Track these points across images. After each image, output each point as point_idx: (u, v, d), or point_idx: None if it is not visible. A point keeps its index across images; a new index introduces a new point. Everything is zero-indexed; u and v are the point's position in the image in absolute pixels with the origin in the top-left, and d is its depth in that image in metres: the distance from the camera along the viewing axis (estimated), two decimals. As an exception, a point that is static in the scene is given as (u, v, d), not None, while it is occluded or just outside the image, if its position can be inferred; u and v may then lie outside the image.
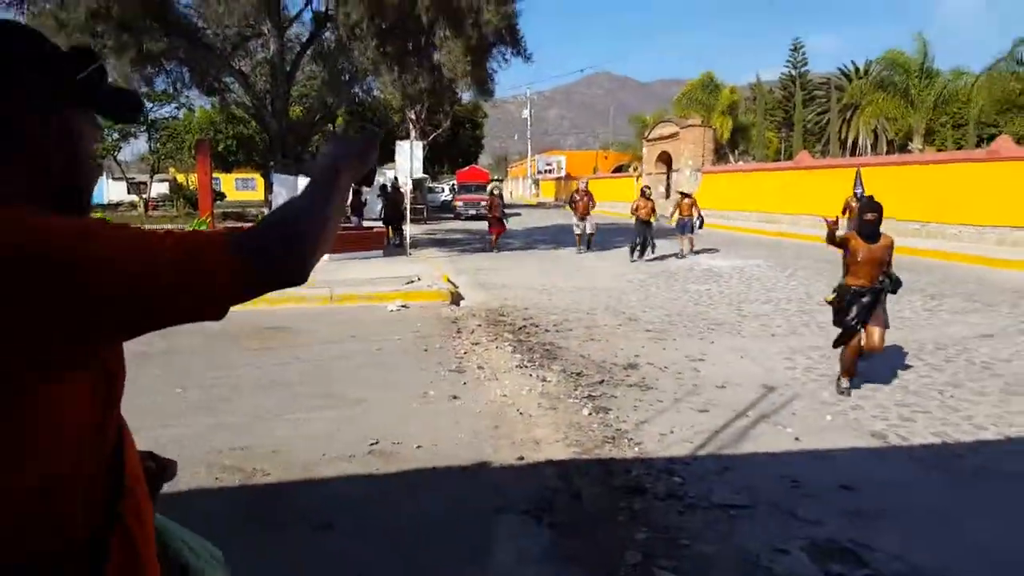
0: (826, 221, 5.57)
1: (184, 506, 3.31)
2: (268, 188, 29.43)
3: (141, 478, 1.08)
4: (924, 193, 18.30)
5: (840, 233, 5.55)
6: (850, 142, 36.52)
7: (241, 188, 56.88)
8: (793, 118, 41.54)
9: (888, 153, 32.69)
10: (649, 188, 16.20)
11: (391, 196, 20.02)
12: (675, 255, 15.35)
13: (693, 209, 15.27)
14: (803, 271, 12.87)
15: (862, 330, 5.45)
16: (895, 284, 5.47)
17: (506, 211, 17.92)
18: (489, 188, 19.31)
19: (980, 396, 5.39)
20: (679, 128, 32.64)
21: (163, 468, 1.23)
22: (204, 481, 3.85)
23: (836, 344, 5.60)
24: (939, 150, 30.73)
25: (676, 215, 15.55)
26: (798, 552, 3.13)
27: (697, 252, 15.75)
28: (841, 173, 22.90)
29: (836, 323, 5.60)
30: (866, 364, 6.20)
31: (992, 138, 21.99)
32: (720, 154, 38.11)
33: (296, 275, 0.94)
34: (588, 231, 16.48)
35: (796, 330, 7.86)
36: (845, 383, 5.47)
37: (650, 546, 3.15)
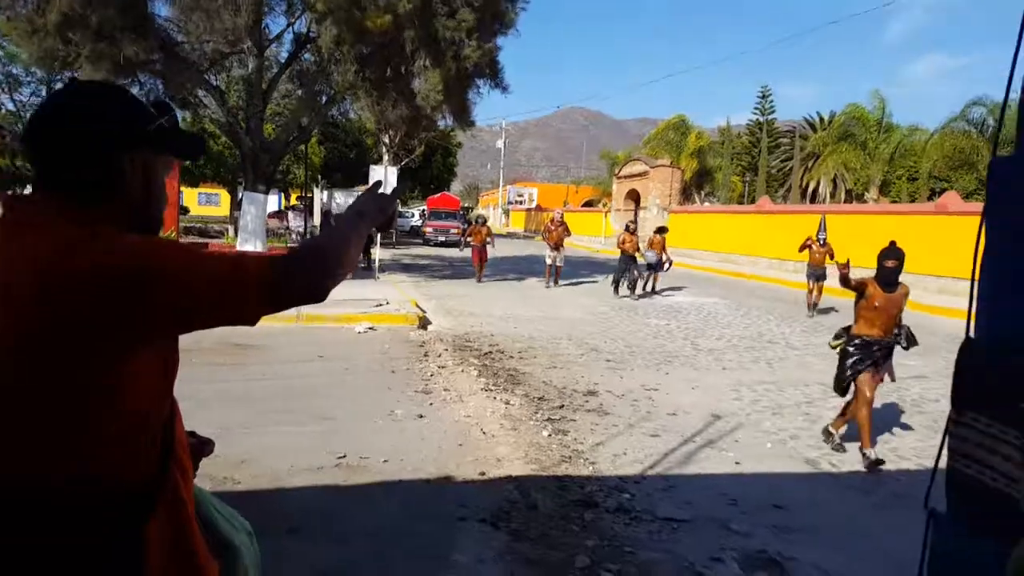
0: (838, 265, 5.18)
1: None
2: (236, 205, 29.39)
3: (186, 447, 1.36)
4: (876, 242, 19.11)
5: (854, 277, 5.04)
6: (810, 190, 37.83)
7: (204, 203, 56.23)
8: (758, 163, 42.94)
9: (846, 202, 33.97)
10: (635, 223, 15.87)
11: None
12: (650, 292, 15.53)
13: (664, 248, 15.40)
14: (757, 310, 13.42)
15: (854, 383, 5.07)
16: (910, 341, 5.05)
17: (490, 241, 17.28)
18: (474, 216, 18.67)
19: (906, 431, 5.84)
20: (649, 167, 33.54)
21: (203, 444, 1.50)
22: (179, 483, 4.02)
23: (837, 389, 5.28)
24: (893, 201, 32.10)
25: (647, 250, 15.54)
26: (730, 561, 3.45)
27: (659, 291, 15.88)
28: (800, 219, 23.82)
29: (839, 371, 5.20)
30: (807, 401, 6.64)
31: (943, 192, 23.13)
32: (686, 194, 39.17)
33: (316, 293, 1.19)
34: (558, 263, 16.17)
35: (745, 365, 8.29)
36: (871, 454, 4.78)
37: (598, 552, 3.45)
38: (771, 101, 46.23)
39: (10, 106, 34.35)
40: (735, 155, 44.67)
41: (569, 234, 16.65)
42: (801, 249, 13.43)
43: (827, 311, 13.22)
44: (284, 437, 4.99)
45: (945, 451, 1.15)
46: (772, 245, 24.15)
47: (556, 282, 16.18)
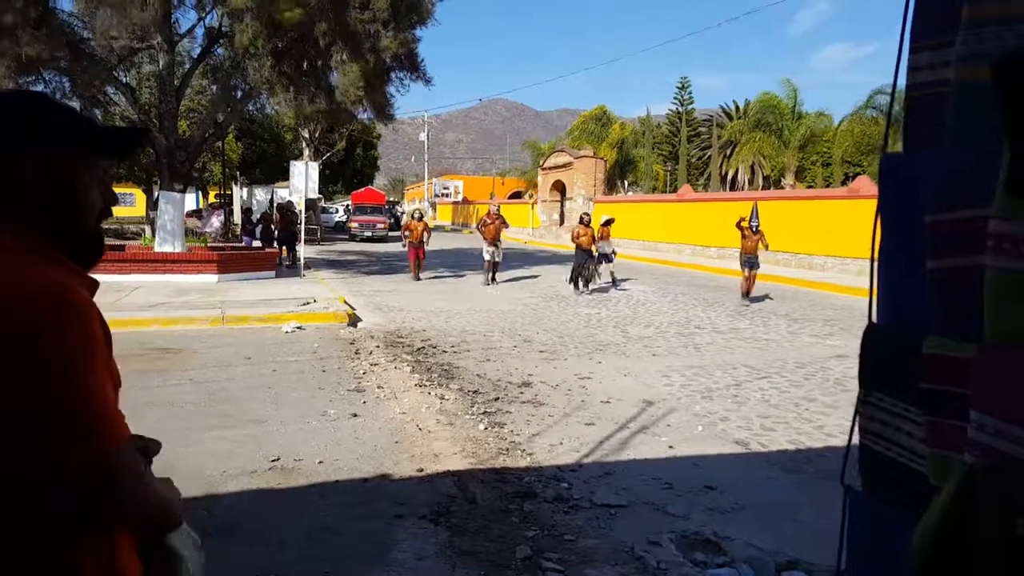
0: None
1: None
2: (151, 205, 28.09)
3: None
4: (794, 227, 19.99)
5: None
6: (730, 177, 39.16)
7: (119, 204, 53.69)
8: (679, 152, 44.10)
9: (764, 188, 35.31)
10: (588, 215, 14.95)
11: (285, 216, 19.73)
12: (610, 285, 15.04)
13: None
14: (683, 296, 13.79)
15: None
16: None
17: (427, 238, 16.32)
18: (411, 211, 17.27)
19: (832, 409, 6.09)
20: (573, 158, 33.95)
21: (146, 445, 1.39)
22: (98, 500, 3.82)
23: None
24: (809, 187, 33.57)
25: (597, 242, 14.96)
26: (667, 543, 3.53)
27: (617, 282, 15.48)
28: (721, 206, 24.62)
29: None
30: (735, 383, 6.88)
31: (856, 176, 24.30)
32: (610, 184, 39.87)
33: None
34: (497, 258, 15.53)
35: (674, 351, 8.50)
36: None
37: (538, 542, 3.46)
38: (689, 91, 47.56)
39: None
40: (656, 145, 45.74)
41: (507, 227, 16.24)
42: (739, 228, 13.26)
43: (760, 298, 13.41)
44: (215, 442, 4.81)
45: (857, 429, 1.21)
46: (694, 232, 24.87)
47: (494, 278, 15.61)
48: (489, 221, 15.64)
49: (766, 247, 12.87)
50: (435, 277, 17.12)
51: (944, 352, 0.94)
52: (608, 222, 15.43)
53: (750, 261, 12.82)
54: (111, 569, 1.08)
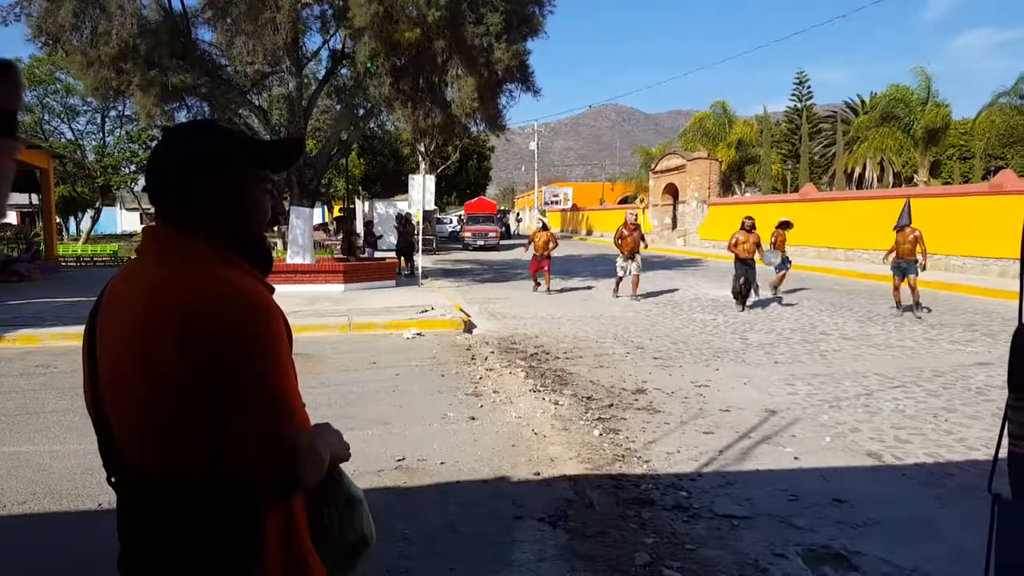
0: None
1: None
2: (283, 219, 29.98)
3: None
4: (930, 225, 18.61)
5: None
6: (856, 175, 36.95)
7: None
8: (799, 150, 42.10)
9: (895, 186, 33.07)
10: (752, 219, 12.45)
11: (403, 228, 20.52)
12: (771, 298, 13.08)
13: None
14: (807, 301, 13.17)
15: None
16: None
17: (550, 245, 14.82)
18: (540, 215, 15.79)
19: (973, 420, 5.65)
20: (686, 160, 33.20)
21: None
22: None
23: None
24: (945, 183, 31.13)
25: (769, 248, 13.29)
26: (794, 557, 3.41)
27: (779, 295, 13.22)
28: (846, 205, 23.30)
29: None
30: (866, 393, 6.52)
31: (999, 171, 22.33)
32: (726, 185, 38.63)
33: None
34: (633, 271, 13.62)
35: (798, 358, 8.15)
36: None
37: (658, 549, 3.44)
38: (808, 86, 45.35)
39: (68, 135, 35.86)
40: (775, 143, 43.84)
41: (645, 243, 14.23)
42: (888, 252, 11.55)
43: (911, 308, 11.18)
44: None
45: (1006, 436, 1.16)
46: (818, 233, 23.68)
47: (635, 294, 13.75)
48: (627, 232, 13.79)
49: (923, 249, 11.04)
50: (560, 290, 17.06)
51: None
52: (784, 225, 13.72)
53: (900, 267, 11.14)
54: (291, 530, 1.23)
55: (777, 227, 13.74)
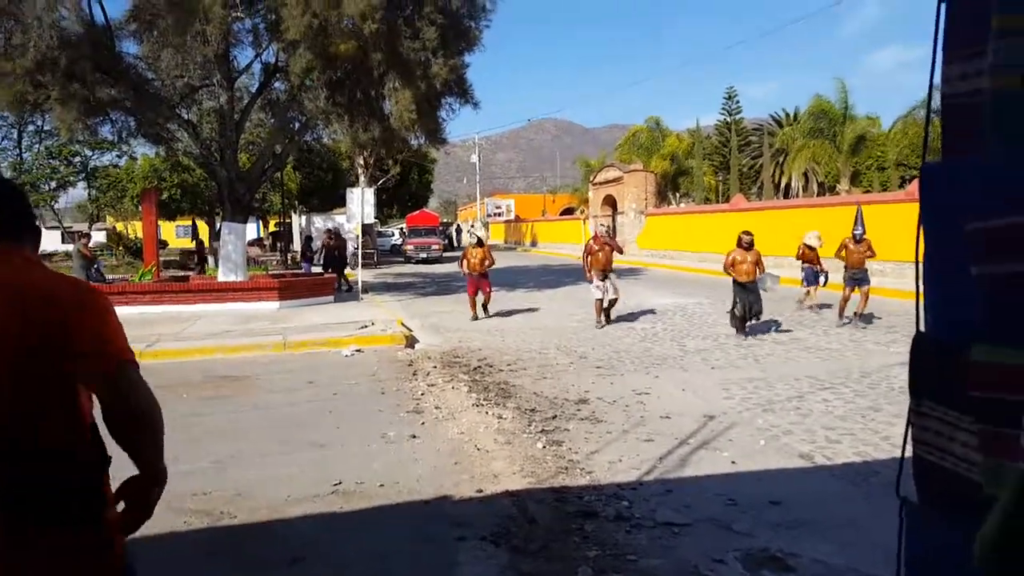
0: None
1: (156, 549, 3.47)
2: (214, 236, 29.18)
3: None
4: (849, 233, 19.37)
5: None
6: (783, 185, 38.33)
7: (183, 235, 56.29)
8: (730, 162, 43.45)
9: (819, 195, 34.41)
10: (750, 235, 10.45)
11: (330, 242, 20.11)
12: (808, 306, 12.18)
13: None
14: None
15: None
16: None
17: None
18: (469, 228, 13.64)
19: (898, 418, 5.87)
20: (623, 173, 33.83)
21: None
22: (173, 525, 3.98)
23: None
24: (865, 191, 32.57)
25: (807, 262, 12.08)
26: (733, 562, 3.46)
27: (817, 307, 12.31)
28: (774, 215, 24.12)
29: None
30: (798, 395, 6.72)
31: (913, 179, 23.47)
32: (662, 196, 39.52)
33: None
34: (612, 294, 11.37)
35: (734, 363, 8.34)
36: None
37: (601, 562, 3.44)
38: (737, 101, 46.94)
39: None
40: (707, 155, 45.16)
41: (621, 252, 12.19)
42: (838, 252, 11.22)
43: (867, 317, 11.25)
44: (279, 467, 4.95)
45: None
46: (750, 242, 24.37)
47: (608, 318, 11.64)
48: (597, 247, 11.45)
49: (872, 255, 10.92)
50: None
51: (994, 359, 0.93)
52: (810, 248, 12.02)
53: (855, 277, 10.80)
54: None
55: (807, 246, 12.09)
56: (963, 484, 1.01)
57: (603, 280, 11.28)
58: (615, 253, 11.56)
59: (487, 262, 12.66)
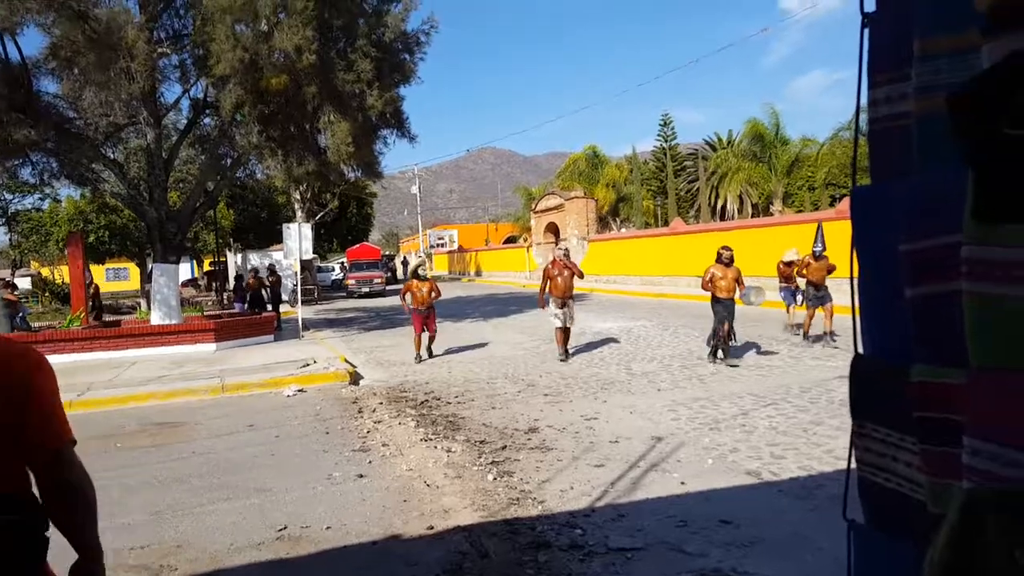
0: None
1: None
2: (146, 278, 28.20)
3: None
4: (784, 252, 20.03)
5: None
6: (719, 207, 39.49)
7: (112, 279, 54.48)
8: (667, 187, 44.57)
9: (753, 216, 35.56)
10: (729, 249, 10.06)
11: (253, 281, 19.58)
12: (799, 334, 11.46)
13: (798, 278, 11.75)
14: (684, 329, 13.76)
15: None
16: None
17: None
18: (414, 265, 12.06)
19: (839, 431, 6.02)
20: (564, 200, 34.28)
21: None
22: (105, 584, 3.74)
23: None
24: (797, 211, 33.83)
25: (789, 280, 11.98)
26: (687, 585, 3.45)
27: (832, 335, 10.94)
28: (713, 236, 24.77)
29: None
30: (742, 413, 6.82)
31: (843, 198, 24.51)
32: (603, 222, 40.19)
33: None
34: (570, 323, 10.74)
35: (679, 384, 8.45)
36: None
37: (555, 595, 3.38)
38: (672, 127, 48.33)
39: None
40: (644, 181, 46.23)
41: (582, 277, 11.16)
42: (799, 271, 11.22)
43: (821, 337, 10.91)
44: (220, 515, 4.73)
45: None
46: (689, 264, 24.96)
47: (567, 350, 10.88)
48: (556, 272, 10.72)
49: (831, 271, 10.81)
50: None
51: (931, 379, 0.94)
52: (791, 264, 11.92)
53: (819, 296, 10.74)
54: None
55: (785, 263, 12.16)
56: (909, 504, 1.01)
57: (562, 308, 10.64)
58: (575, 278, 10.81)
59: (434, 294, 11.65)
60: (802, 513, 4.31)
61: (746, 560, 3.65)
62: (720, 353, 9.67)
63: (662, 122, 48.54)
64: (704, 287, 9.98)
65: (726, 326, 9.56)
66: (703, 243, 24.73)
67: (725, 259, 9.87)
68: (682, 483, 4.93)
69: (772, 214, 33.19)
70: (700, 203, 42.01)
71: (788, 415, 6.64)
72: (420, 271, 11.77)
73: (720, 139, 45.88)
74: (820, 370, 8.79)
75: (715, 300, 9.77)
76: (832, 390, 7.58)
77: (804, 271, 11.08)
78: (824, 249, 11.11)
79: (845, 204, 19.98)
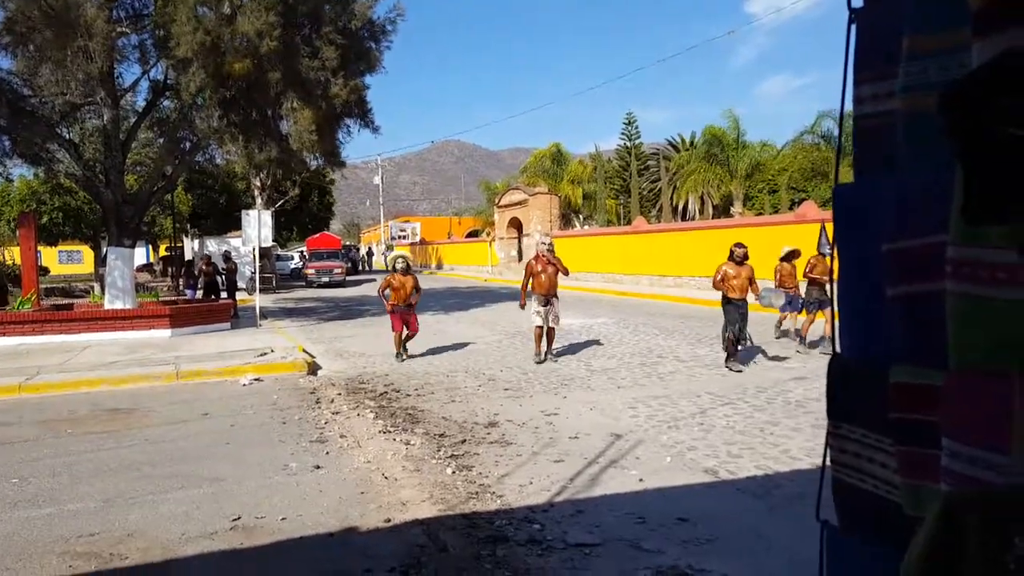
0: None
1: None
2: (100, 262, 27.36)
3: None
4: (753, 252, 20.36)
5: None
6: (680, 207, 39.98)
7: (66, 261, 52.87)
8: (630, 186, 44.96)
9: (714, 217, 36.09)
10: (743, 248, 9.33)
11: (207, 268, 19.17)
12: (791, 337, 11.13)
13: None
14: (644, 327, 13.89)
15: None
16: None
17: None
18: (392, 258, 11.25)
19: (795, 431, 6.14)
20: (528, 195, 34.29)
21: None
22: (57, 570, 3.63)
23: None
24: (758, 214, 34.45)
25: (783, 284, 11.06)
26: (645, 580, 3.47)
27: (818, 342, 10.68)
28: (674, 236, 25.05)
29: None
30: (700, 411, 6.90)
31: (802, 202, 24.97)
32: (566, 219, 40.35)
33: None
34: (552, 322, 10.03)
35: (639, 381, 8.52)
36: None
37: (514, 589, 3.37)
38: (636, 127, 48.74)
39: None
40: (608, 179, 46.55)
41: (567, 274, 10.36)
42: (807, 273, 10.63)
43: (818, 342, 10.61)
44: (173, 504, 4.61)
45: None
46: (651, 262, 25.22)
47: (550, 350, 10.27)
48: (540, 268, 10.01)
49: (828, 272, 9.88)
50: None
51: (911, 380, 0.94)
52: (790, 256, 11.18)
53: (820, 300, 10.34)
54: None
55: (781, 259, 11.28)
56: (884, 506, 1.02)
57: (544, 306, 9.96)
58: (560, 275, 10.09)
59: (415, 294, 10.74)
60: (759, 512, 4.37)
61: (703, 557, 3.69)
62: (732, 356, 9.12)
63: (626, 121, 48.93)
64: (716, 287, 9.34)
65: (734, 329, 9.02)
66: (665, 242, 25.01)
67: (738, 257, 9.21)
68: (640, 480, 4.97)
69: (732, 215, 33.73)
70: (662, 203, 42.49)
71: (745, 414, 6.75)
72: (398, 264, 10.84)
73: (683, 140, 46.45)
74: (777, 371, 8.95)
75: (726, 301, 9.21)
76: (788, 391, 7.73)
77: (812, 272, 10.55)
78: (830, 248, 10.87)
79: (804, 208, 20.38)
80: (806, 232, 18.66)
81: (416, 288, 10.72)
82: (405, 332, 10.72)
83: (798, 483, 4.86)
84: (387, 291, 10.76)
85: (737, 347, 9.15)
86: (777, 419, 6.54)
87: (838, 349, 1.14)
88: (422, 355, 11.05)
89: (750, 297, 9.33)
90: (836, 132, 31.44)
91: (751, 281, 9.21)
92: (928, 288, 0.91)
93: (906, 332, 0.97)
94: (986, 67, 0.78)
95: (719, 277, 9.21)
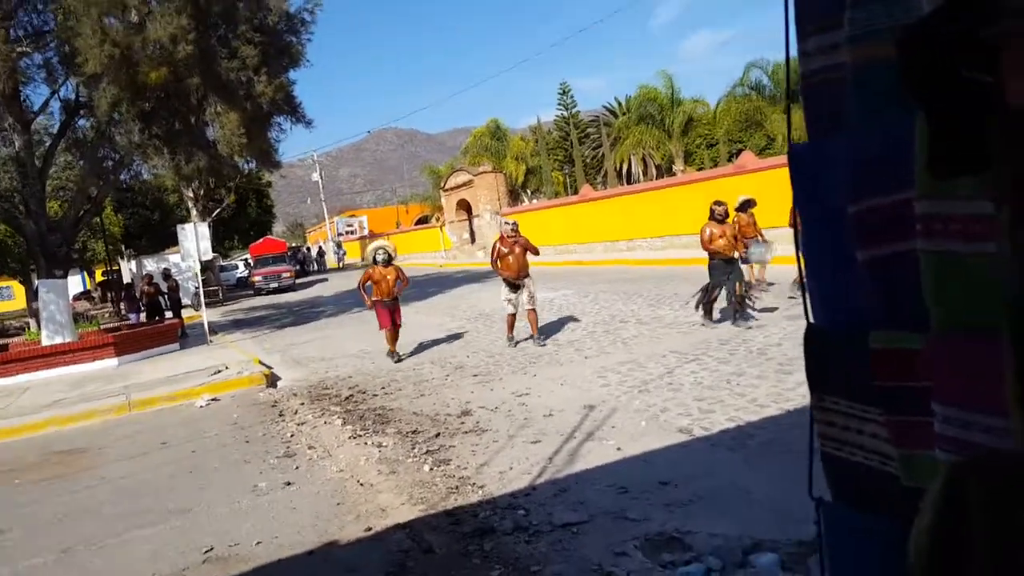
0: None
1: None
2: (32, 295, 26.22)
3: None
4: (689, 210, 20.63)
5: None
6: (624, 171, 40.16)
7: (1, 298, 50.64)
8: (572, 155, 44.96)
9: (658, 177, 36.38)
10: (722, 206, 9.13)
11: (148, 288, 18.53)
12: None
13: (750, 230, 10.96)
14: (603, 294, 13.95)
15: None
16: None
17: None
18: (372, 248, 10.37)
19: (760, 379, 6.21)
20: (472, 176, 34.03)
21: None
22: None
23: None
24: (699, 169, 34.85)
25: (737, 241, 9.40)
26: (634, 551, 3.46)
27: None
28: (622, 201, 25.18)
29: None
30: (668, 371, 6.94)
31: (740, 152, 25.27)
32: (514, 195, 40.22)
33: None
34: (527, 303, 9.45)
35: (605, 349, 8.53)
36: None
37: (505, 581, 3.32)
38: (572, 96, 48.54)
39: None
40: (550, 151, 46.45)
41: (536, 253, 9.71)
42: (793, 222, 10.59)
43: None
44: (139, 543, 4.42)
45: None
46: (601, 229, 25.34)
47: (536, 335, 9.54)
48: (506, 249, 9.49)
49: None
50: (346, 314, 16.50)
51: (892, 346, 0.89)
52: (745, 205, 11.03)
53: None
54: None
55: (737, 209, 10.81)
56: (877, 478, 0.96)
57: (514, 291, 9.48)
58: (529, 255, 9.54)
59: (402, 283, 10.11)
60: (736, 464, 4.41)
61: (688, 519, 3.70)
62: (711, 311, 9.09)
63: (561, 91, 48.70)
64: (704, 247, 9.02)
65: (731, 286, 8.79)
66: (613, 208, 25.14)
67: (719, 215, 9.00)
68: (618, 449, 4.97)
69: (675, 174, 34.05)
70: (607, 169, 42.63)
71: (711, 369, 6.81)
72: (378, 255, 10.10)
73: (620, 104, 46.55)
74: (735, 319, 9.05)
75: (713, 259, 8.96)
76: (749, 340, 7.84)
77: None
78: (795, 215, 10.47)
79: (743, 159, 20.63)
80: (747, 182, 18.94)
81: (400, 279, 10.09)
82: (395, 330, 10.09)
83: (769, 431, 4.92)
84: (368, 284, 10.20)
85: (744, 305, 8.85)
86: (742, 369, 6.62)
87: (811, 318, 1.07)
88: (383, 351, 10.86)
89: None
90: (763, 81, 31.93)
91: (736, 238, 9.08)
92: (900, 248, 0.85)
93: (881, 296, 0.91)
94: (948, 5, 0.71)
95: (706, 237, 8.92)
